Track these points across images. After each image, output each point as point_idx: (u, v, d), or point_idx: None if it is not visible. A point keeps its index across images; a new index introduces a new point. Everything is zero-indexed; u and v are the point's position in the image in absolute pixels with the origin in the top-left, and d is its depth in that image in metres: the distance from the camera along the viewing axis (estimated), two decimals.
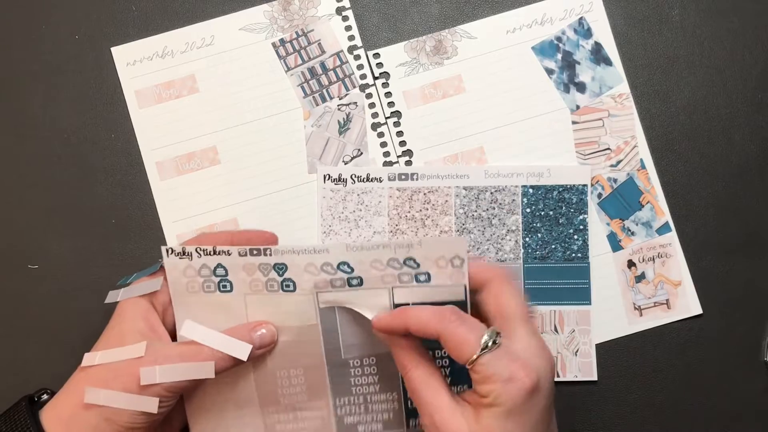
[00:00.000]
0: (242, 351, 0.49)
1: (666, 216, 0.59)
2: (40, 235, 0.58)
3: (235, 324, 0.51)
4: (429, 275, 0.49)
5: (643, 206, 0.59)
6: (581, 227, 0.58)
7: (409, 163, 0.59)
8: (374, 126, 0.59)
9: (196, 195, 0.59)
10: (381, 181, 0.58)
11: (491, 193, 0.58)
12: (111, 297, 0.51)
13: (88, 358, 0.48)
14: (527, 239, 0.58)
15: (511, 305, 0.47)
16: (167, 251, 0.50)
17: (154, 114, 0.59)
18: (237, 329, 0.50)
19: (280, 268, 0.50)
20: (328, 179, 0.58)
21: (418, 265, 0.49)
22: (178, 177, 0.59)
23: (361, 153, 0.59)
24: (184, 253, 0.50)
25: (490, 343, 0.45)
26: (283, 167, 0.59)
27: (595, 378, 0.57)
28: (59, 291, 0.58)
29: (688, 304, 0.58)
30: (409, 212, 0.58)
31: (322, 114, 0.59)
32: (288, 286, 0.50)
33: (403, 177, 0.58)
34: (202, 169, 0.59)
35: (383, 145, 0.59)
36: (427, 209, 0.58)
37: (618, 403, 0.57)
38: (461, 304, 0.49)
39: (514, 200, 0.58)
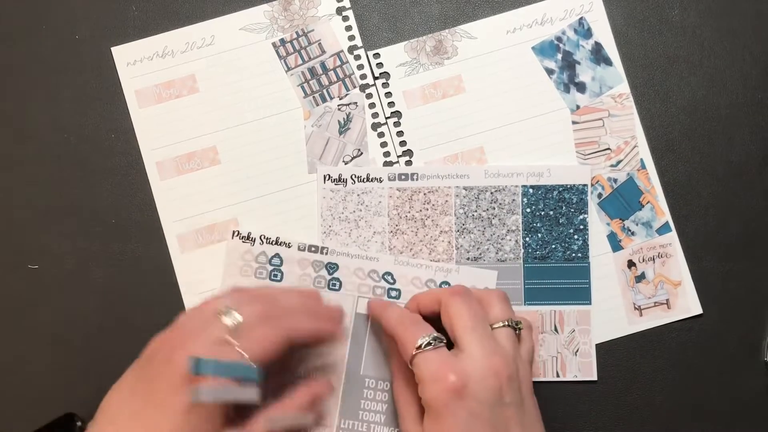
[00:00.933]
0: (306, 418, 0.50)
1: (666, 216, 0.59)
2: (40, 235, 0.58)
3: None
4: None
5: (643, 206, 0.59)
6: (581, 227, 0.58)
7: (409, 163, 0.59)
8: (374, 126, 0.59)
9: (196, 195, 0.59)
10: (381, 181, 0.58)
11: (491, 193, 0.58)
12: (201, 395, 0.45)
13: None
14: (527, 239, 0.58)
15: (457, 316, 0.48)
16: (234, 233, 0.56)
17: (154, 114, 0.59)
18: (298, 402, 0.50)
19: (332, 267, 0.55)
20: (328, 179, 0.58)
21: None
22: (178, 177, 0.59)
23: (361, 153, 0.59)
24: (248, 238, 0.55)
25: (424, 345, 0.46)
26: (283, 167, 0.59)
27: (595, 378, 0.57)
28: (59, 291, 0.58)
29: (688, 304, 0.58)
30: (409, 212, 0.58)
31: (323, 114, 0.59)
32: (334, 285, 0.55)
33: (403, 177, 0.58)
34: (202, 169, 0.59)
35: (383, 145, 0.59)
36: (427, 209, 0.58)
37: (618, 403, 0.57)
38: None
39: (514, 200, 0.58)
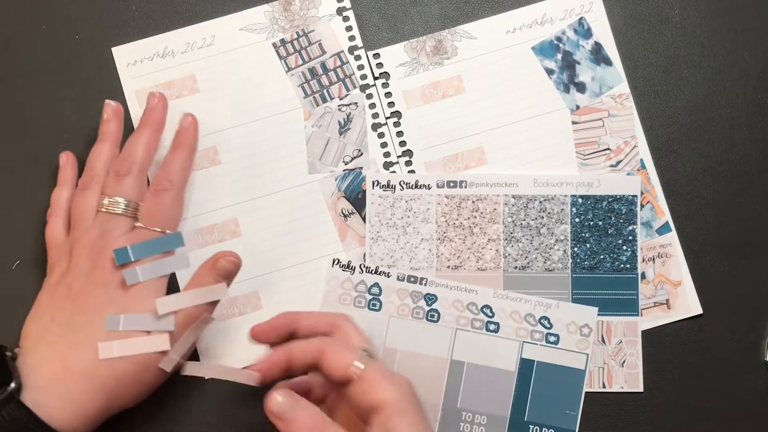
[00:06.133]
0: (220, 292, 0.52)
1: (666, 216, 0.59)
2: (41, 235, 0.58)
3: (376, 341, 0.55)
4: (558, 337, 0.55)
5: (643, 206, 0.59)
6: (630, 238, 0.58)
7: (409, 163, 0.59)
8: (374, 126, 0.59)
9: (196, 195, 0.59)
10: (429, 188, 0.58)
11: (540, 202, 0.58)
12: (140, 275, 0.50)
13: (106, 350, 0.49)
14: (576, 249, 0.58)
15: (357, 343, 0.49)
16: (334, 261, 0.56)
17: None
18: (201, 276, 0.52)
19: (431, 298, 0.55)
20: (377, 185, 0.58)
21: (551, 326, 0.55)
22: None
23: (362, 153, 0.59)
24: (347, 266, 0.55)
25: (368, 353, 0.48)
26: (283, 167, 0.59)
27: (641, 389, 0.57)
28: None
29: (688, 304, 0.58)
30: (457, 220, 0.58)
31: (323, 114, 0.59)
32: (432, 316, 0.55)
33: (451, 184, 0.58)
34: (202, 169, 0.59)
35: (383, 145, 0.59)
36: (476, 217, 0.58)
37: (617, 403, 0.57)
38: (580, 373, 0.55)
39: (563, 209, 0.58)
